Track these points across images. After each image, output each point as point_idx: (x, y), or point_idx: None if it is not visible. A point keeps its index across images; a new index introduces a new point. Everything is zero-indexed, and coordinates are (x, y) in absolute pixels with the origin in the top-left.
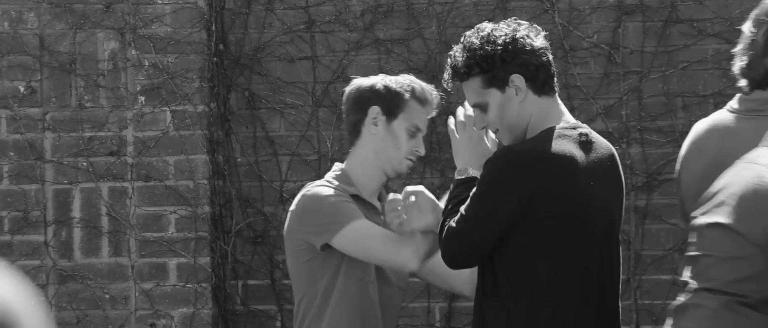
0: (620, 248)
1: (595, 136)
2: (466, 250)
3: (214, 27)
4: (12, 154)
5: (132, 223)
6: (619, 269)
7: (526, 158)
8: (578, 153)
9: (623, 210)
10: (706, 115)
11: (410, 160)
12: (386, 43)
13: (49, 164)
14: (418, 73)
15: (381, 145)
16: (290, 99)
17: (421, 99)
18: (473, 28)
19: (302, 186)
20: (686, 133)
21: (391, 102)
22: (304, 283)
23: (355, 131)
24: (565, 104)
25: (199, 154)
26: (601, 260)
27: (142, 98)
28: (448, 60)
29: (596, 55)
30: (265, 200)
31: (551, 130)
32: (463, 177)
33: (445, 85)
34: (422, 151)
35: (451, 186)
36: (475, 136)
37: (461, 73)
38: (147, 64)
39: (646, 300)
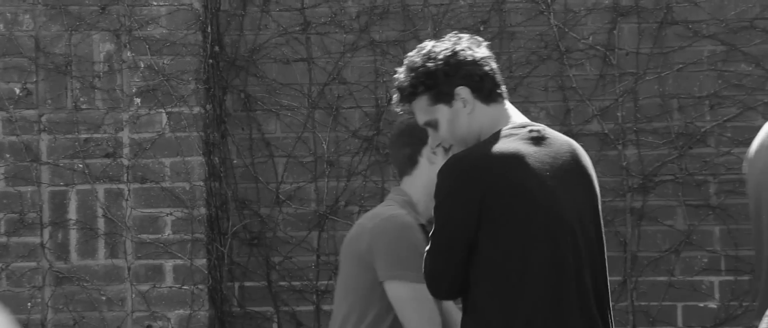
0: (604, 246)
1: (551, 133)
2: (439, 270)
3: (209, 29)
4: (8, 156)
5: (128, 225)
6: (602, 268)
7: (469, 162)
8: (526, 148)
9: (600, 204)
10: (702, 116)
11: None
12: (382, 44)
13: (45, 165)
14: None
15: None
16: (286, 101)
17: None
18: (418, 46)
19: (299, 188)
20: (682, 134)
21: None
22: (354, 295)
23: (412, 162)
24: (561, 106)
25: (195, 156)
26: (576, 256)
27: (138, 100)
28: (394, 83)
29: (592, 57)
30: (261, 201)
31: (497, 133)
32: None
33: (396, 109)
34: None
35: None
36: None
37: (408, 94)
38: (142, 65)
39: (642, 302)
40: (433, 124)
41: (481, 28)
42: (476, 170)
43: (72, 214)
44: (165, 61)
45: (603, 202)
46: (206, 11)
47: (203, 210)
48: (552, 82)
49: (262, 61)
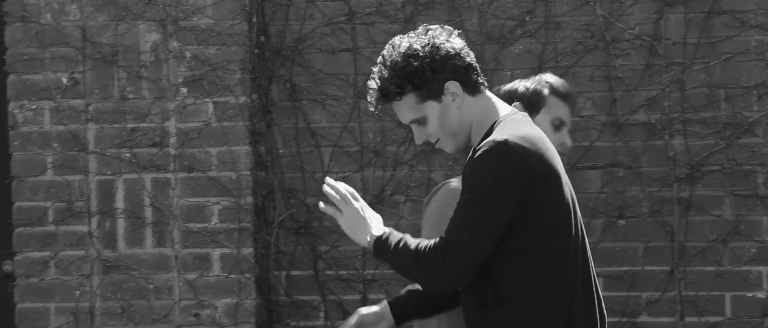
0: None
1: None
2: (471, 260)
3: (255, 18)
4: (56, 145)
5: (175, 214)
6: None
7: (516, 146)
8: (542, 133)
9: None
10: (749, 106)
11: (560, 152)
12: None
13: (93, 155)
14: None
15: None
16: (331, 90)
17: (561, 93)
18: (390, 44)
19: (345, 177)
20: (729, 124)
21: (530, 99)
22: None
23: None
24: (607, 96)
25: (242, 145)
26: (583, 239)
27: (185, 90)
28: (371, 84)
29: (638, 47)
30: (307, 191)
31: (507, 119)
32: (380, 235)
33: (371, 109)
34: (569, 143)
35: (391, 248)
36: (357, 204)
37: (392, 94)
38: (189, 55)
39: (690, 292)
40: (422, 121)
41: (527, 19)
42: (525, 154)
43: (119, 203)
44: (211, 51)
45: (650, 192)
46: (252, 1)
47: (250, 199)
48: (598, 73)
49: (307, 51)
